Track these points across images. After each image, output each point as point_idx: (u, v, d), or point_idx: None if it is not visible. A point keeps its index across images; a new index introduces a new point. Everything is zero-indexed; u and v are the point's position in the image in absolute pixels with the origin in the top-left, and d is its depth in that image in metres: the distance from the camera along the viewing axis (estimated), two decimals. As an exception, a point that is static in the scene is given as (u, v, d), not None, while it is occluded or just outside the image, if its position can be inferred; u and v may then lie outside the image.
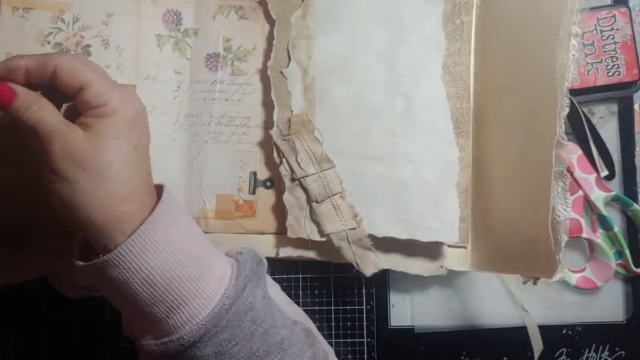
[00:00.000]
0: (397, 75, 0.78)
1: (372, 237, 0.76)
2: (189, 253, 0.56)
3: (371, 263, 0.76)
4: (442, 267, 0.79)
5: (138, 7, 0.79)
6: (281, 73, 0.78)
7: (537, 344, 0.79)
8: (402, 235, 0.76)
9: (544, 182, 0.68)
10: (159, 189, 0.59)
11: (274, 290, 0.67)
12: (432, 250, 0.79)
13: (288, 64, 0.78)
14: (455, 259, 0.80)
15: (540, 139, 0.69)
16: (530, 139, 0.72)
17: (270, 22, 0.80)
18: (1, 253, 0.74)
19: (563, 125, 0.67)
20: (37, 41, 0.77)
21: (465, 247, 0.80)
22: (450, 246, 0.79)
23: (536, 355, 0.79)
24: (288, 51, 0.78)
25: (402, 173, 0.77)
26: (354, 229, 0.75)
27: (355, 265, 0.76)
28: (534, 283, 0.71)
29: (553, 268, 0.66)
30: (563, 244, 0.66)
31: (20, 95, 0.55)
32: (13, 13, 0.76)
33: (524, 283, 0.72)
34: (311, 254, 0.78)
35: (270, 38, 0.80)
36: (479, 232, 0.79)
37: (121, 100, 0.56)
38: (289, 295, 0.79)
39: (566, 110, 0.67)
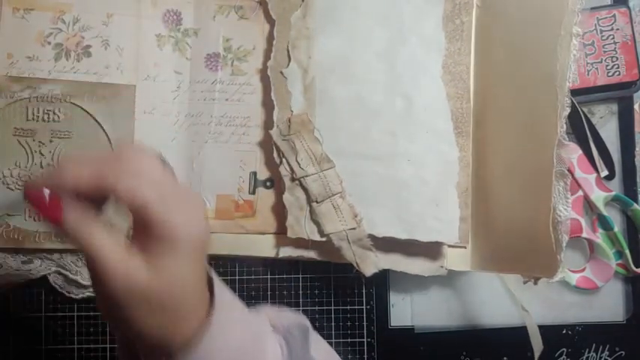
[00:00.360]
0: (397, 75, 0.78)
1: (372, 237, 0.76)
2: (247, 348, 0.55)
3: (371, 263, 0.76)
4: (442, 267, 0.79)
5: (138, 8, 0.79)
6: (281, 73, 0.78)
7: (537, 344, 0.79)
8: (402, 235, 0.76)
9: (545, 182, 0.68)
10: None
11: (313, 342, 0.65)
12: (432, 250, 0.78)
13: (288, 64, 0.78)
14: (455, 259, 0.80)
15: (541, 138, 0.69)
16: (531, 139, 0.71)
17: (270, 22, 0.80)
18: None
19: (565, 125, 0.66)
20: (38, 42, 0.77)
21: (465, 247, 0.80)
22: (450, 246, 0.79)
23: (537, 354, 0.79)
24: (288, 51, 0.78)
25: (402, 173, 0.77)
26: (354, 229, 0.75)
27: (355, 265, 0.75)
28: (535, 283, 0.70)
29: (554, 268, 0.66)
30: (564, 244, 0.66)
31: (71, 215, 0.48)
32: (13, 14, 0.76)
33: (525, 283, 0.72)
34: (311, 254, 0.78)
35: (270, 38, 0.79)
36: (479, 232, 0.79)
37: (185, 225, 0.49)
38: (289, 295, 0.80)
39: (567, 110, 0.66)
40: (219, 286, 0.54)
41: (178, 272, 0.49)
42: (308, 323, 0.62)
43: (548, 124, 0.68)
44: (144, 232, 0.48)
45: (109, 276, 0.46)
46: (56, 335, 0.80)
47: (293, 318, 0.62)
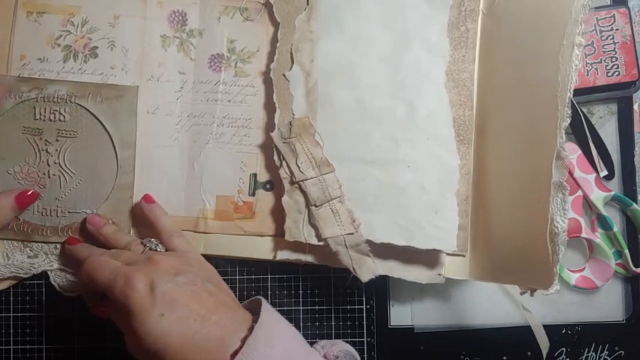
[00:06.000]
0: (400, 80, 0.76)
1: (369, 242, 0.74)
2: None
3: (368, 269, 0.73)
4: (440, 275, 0.77)
5: (144, 9, 0.78)
6: (284, 75, 0.76)
7: (544, 342, 0.78)
8: (400, 242, 0.74)
9: (543, 193, 0.65)
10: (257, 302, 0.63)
11: None
12: (430, 258, 0.76)
13: (291, 67, 0.76)
14: (453, 268, 0.78)
15: (540, 149, 0.66)
16: (531, 149, 0.69)
17: (275, 24, 0.78)
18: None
19: (564, 136, 0.64)
20: (48, 44, 0.77)
21: (463, 256, 0.77)
22: (448, 254, 0.77)
23: (544, 352, 0.78)
24: (291, 54, 0.76)
25: (402, 179, 0.75)
26: (351, 234, 0.73)
27: (352, 270, 0.73)
28: (531, 295, 0.68)
29: (550, 280, 0.64)
30: (560, 256, 0.64)
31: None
32: (27, 17, 0.77)
33: (522, 293, 0.69)
34: (308, 258, 0.76)
35: (274, 40, 0.78)
36: (478, 241, 0.77)
37: None
38: (289, 295, 0.80)
39: (567, 121, 0.64)
40: (267, 308, 0.61)
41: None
42: (357, 354, 0.69)
43: (547, 134, 0.65)
44: None
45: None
46: (56, 335, 0.79)
47: (343, 346, 0.67)
